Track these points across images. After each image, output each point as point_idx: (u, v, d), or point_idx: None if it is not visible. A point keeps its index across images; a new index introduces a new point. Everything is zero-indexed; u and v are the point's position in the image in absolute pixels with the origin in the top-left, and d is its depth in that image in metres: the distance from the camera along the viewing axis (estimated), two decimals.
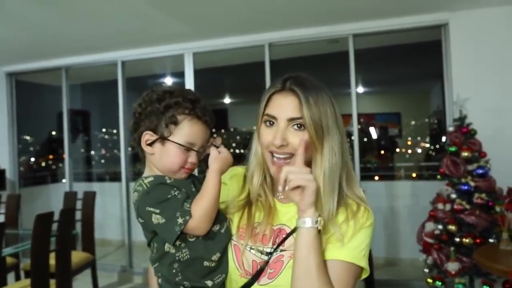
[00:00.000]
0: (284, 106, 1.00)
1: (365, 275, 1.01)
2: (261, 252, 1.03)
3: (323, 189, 0.98)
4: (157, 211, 0.97)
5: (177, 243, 1.00)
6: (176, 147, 1.02)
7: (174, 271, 1.02)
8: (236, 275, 1.04)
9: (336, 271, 0.95)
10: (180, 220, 0.96)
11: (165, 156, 1.03)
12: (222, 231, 1.05)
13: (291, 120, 0.99)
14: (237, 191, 1.14)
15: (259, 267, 1.01)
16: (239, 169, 1.19)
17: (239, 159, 1.21)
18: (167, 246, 1.02)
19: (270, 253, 1.01)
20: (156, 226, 0.98)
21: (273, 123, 1.02)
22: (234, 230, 1.08)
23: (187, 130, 1.03)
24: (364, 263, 0.98)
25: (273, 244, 1.03)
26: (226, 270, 1.05)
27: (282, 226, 1.05)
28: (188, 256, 1.01)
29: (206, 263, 1.01)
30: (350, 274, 0.97)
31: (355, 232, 0.98)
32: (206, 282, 1.02)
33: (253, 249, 1.04)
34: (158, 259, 1.05)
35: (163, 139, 1.02)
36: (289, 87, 1.01)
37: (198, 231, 0.99)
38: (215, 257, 1.02)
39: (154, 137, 1.03)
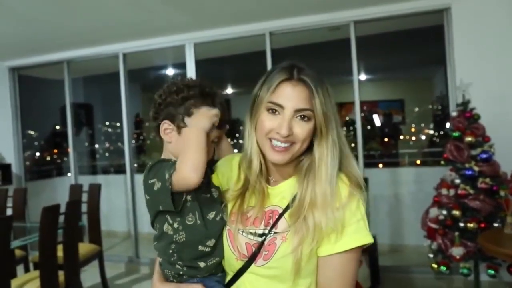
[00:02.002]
0: (293, 96, 1.00)
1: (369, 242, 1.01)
2: (254, 234, 1.05)
3: (325, 177, 1.00)
4: (155, 179, 1.01)
5: (175, 225, 1.04)
6: None
7: (170, 251, 1.07)
8: (232, 259, 1.06)
9: (338, 264, 0.98)
10: (167, 175, 1.00)
11: (181, 144, 1.07)
12: (218, 218, 1.09)
13: (298, 110, 1.00)
14: (234, 180, 1.16)
15: (253, 249, 1.03)
16: (235, 157, 1.21)
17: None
18: (165, 227, 1.06)
19: (264, 234, 1.03)
20: (157, 193, 1.01)
21: (276, 111, 1.02)
22: (227, 216, 1.11)
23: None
24: (370, 238, 1.00)
25: (266, 226, 1.05)
26: (221, 255, 1.08)
27: (273, 207, 1.07)
28: (184, 238, 1.05)
29: (200, 247, 1.06)
30: (353, 258, 0.99)
31: (349, 222, 0.99)
32: (199, 263, 1.06)
33: (245, 232, 1.06)
34: (158, 238, 1.09)
35: (179, 128, 1.07)
36: (298, 77, 1.01)
37: (186, 181, 0.99)
38: (209, 243, 1.06)
39: (171, 126, 1.09)
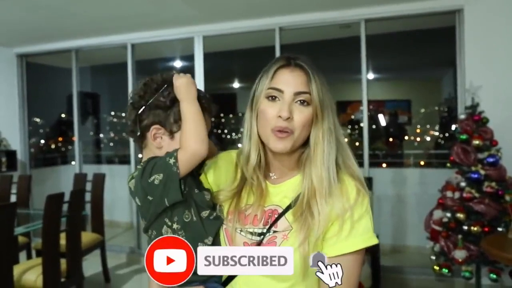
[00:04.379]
0: (291, 80, 1.01)
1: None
2: (252, 233, 1.03)
3: (320, 160, 1.00)
4: (155, 174, 0.98)
5: (174, 226, 1.01)
6: None
7: None
8: None
9: (347, 265, 0.95)
10: (171, 160, 0.97)
11: (172, 150, 1.03)
12: (212, 218, 1.06)
13: (297, 94, 1.00)
14: (230, 179, 1.13)
15: None
16: (232, 154, 1.18)
17: None
18: (164, 230, 1.02)
19: (263, 234, 1.01)
20: (158, 187, 0.97)
21: (276, 97, 1.02)
22: (224, 215, 1.08)
23: None
24: (375, 239, 0.99)
25: (265, 225, 1.02)
26: None
27: (274, 207, 1.05)
28: (184, 238, 1.00)
29: (200, 245, 1.02)
30: (359, 259, 0.99)
31: (358, 220, 0.99)
32: None
33: (243, 231, 1.04)
34: None
35: (171, 133, 1.03)
36: (295, 63, 1.02)
37: (196, 155, 0.98)
38: (207, 241, 1.03)
39: (162, 130, 1.03)
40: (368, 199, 1.02)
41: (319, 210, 0.97)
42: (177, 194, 0.98)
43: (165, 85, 1.03)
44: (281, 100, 1.01)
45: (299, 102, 1.01)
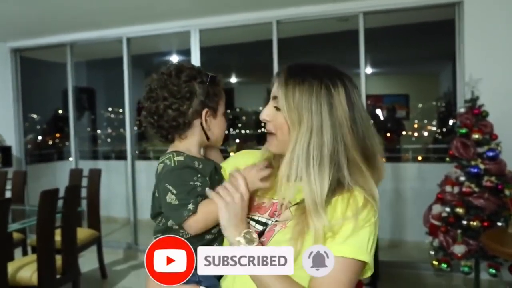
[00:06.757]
0: (273, 86, 1.05)
1: (369, 272, 0.97)
2: (255, 221, 1.04)
3: (290, 169, 0.97)
4: (175, 191, 1.01)
5: None
6: (222, 116, 1.14)
7: None
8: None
9: (335, 267, 0.90)
10: (190, 206, 0.99)
11: (217, 127, 1.13)
12: None
13: (273, 98, 1.03)
14: None
15: None
16: (256, 153, 1.16)
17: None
18: (170, 222, 1.05)
19: (266, 224, 1.03)
20: (167, 205, 1.01)
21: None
22: None
23: (223, 100, 1.15)
24: (367, 258, 0.94)
25: (270, 216, 1.04)
26: (223, 238, 1.08)
27: (283, 201, 1.03)
28: (190, 234, 1.04)
29: (207, 237, 1.06)
30: (349, 269, 0.93)
31: (356, 229, 0.93)
32: None
33: (248, 217, 1.04)
34: (161, 232, 1.08)
35: (215, 111, 1.11)
36: (281, 70, 1.05)
37: (192, 229, 1.01)
38: (214, 230, 1.06)
39: (209, 112, 1.10)
40: (375, 219, 0.96)
41: (315, 224, 0.93)
42: (176, 222, 1.03)
43: (192, 72, 1.08)
44: None
45: (276, 106, 1.02)
